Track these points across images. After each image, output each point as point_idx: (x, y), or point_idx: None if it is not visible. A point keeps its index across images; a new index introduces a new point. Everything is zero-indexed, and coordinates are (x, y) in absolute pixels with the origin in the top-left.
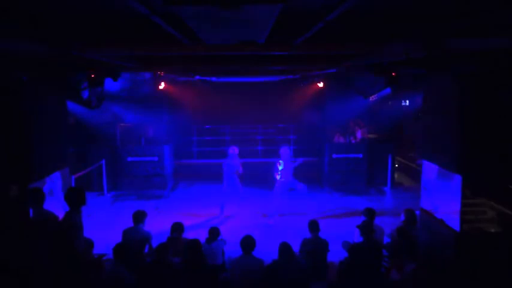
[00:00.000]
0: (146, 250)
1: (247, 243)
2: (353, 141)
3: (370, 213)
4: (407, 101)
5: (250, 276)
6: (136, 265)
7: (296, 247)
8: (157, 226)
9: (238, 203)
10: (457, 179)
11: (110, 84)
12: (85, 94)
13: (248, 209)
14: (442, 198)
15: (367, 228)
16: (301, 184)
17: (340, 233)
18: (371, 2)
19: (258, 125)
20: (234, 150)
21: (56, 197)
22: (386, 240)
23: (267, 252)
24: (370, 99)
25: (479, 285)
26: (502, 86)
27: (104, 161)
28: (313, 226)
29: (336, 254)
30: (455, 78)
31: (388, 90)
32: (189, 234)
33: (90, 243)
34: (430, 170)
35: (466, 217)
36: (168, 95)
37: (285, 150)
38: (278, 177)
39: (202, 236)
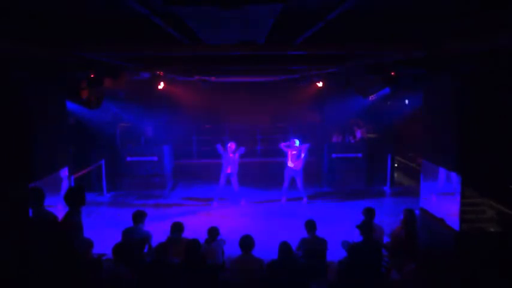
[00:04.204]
0: (146, 250)
1: (246, 242)
2: (352, 140)
3: (369, 213)
4: (407, 101)
5: (250, 276)
6: (136, 265)
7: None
8: (157, 226)
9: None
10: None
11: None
12: (85, 94)
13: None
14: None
15: (366, 227)
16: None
17: (340, 233)
18: (371, 2)
19: (257, 125)
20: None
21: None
22: (386, 240)
23: (267, 251)
24: (370, 98)
25: (479, 285)
26: (502, 86)
27: (103, 161)
28: (310, 225)
29: (336, 254)
30: (455, 78)
31: (387, 90)
32: (188, 234)
33: (90, 243)
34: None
35: (466, 216)
36: (168, 95)
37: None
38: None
39: (202, 236)
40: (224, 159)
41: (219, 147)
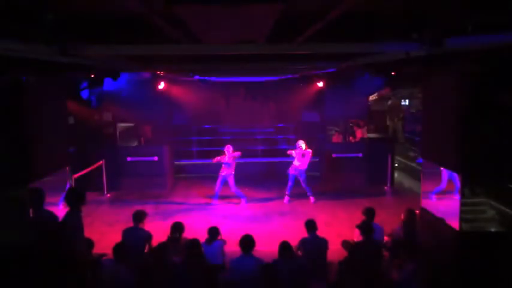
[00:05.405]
0: (146, 250)
1: (246, 242)
2: (352, 140)
3: (369, 213)
4: (407, 101)
5: (250, 275)
6: (136, 265)
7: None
8: (157, 226)
9: None
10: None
11: (110, 84)
12: (85, 94)
13: None
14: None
15: (366, 227)
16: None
17: (340, 233)
18: (371, 1)
19: (257, 125)
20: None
21: None
22: (386, 240)
23: (267, 251)
24: (370, 98)
25: (479, 285)
26: (502, 86)
27: (103, 161)
28: (310, 225)
29: (336, 254)
30: (455, 78)
31: (387, 89)
32: (188, 234)
33: (90, 243)
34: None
35: (466, 216)
36: (168, 95)
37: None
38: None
39: (202, 236)
40: (222, 163)
41: (217, 159)
